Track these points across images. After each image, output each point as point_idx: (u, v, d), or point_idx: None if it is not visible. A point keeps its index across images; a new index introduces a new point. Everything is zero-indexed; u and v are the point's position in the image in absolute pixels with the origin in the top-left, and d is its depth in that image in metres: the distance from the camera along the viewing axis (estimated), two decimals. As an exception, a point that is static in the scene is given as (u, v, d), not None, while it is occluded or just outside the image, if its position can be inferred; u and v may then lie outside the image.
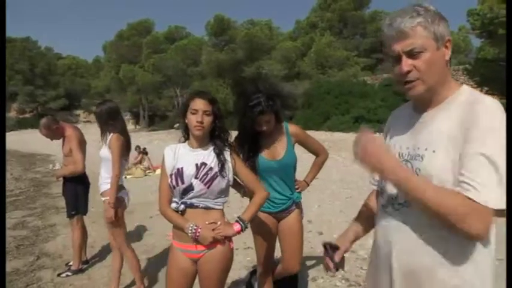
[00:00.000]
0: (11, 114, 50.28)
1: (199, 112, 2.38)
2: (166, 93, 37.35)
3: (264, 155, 3.04)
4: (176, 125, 34.04)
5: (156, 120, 42.57)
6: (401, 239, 1.47)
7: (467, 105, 1.38)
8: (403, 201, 1.47)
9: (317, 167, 3.37)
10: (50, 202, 8.63)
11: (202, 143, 2.50)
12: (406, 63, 1.38)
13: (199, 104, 2.40)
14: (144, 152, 12.51)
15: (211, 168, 2.43)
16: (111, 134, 3.76)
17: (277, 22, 69.92)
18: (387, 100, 27.02)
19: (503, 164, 1.26)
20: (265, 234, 3.16)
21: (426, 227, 1.40)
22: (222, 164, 2.45)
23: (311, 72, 31.61)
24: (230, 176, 2.50)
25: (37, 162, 14.93)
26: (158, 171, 12.21)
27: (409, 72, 1.39)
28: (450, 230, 1.31)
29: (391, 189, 1.52)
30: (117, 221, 3.75)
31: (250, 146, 3.04)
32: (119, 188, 3.80)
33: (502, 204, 1.25)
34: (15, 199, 9.06)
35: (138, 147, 12.77)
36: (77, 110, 55.70)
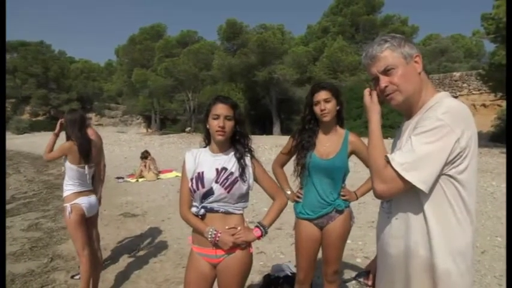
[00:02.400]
0: (24, 117, 50.81)
1: (220, 117, 2.37)
2: (178, 97, 37.42)
3: (316, 153, 3.01)
4: (187, 129, 34.19)
5: (167, 124, 42.77)
6: (387, 229, 1.79)
7: (429, 108, 1.67)
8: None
9: (370, 182, 3.24)
10: (62, 204, 8.60)
11: (223, 148, 2.49)
12: (383, 80, 1.72)
13: (221, 109, 2.39)
14: (145, 157, 12.48)
15: (231, 173, 2.41)
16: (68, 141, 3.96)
17: (289, 27, 69.94)
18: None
19: (419, 146, 1.54)
20: (303, 242, 3.11)
21: (403, 217, 1.71)
22: (242, 168, 2.43)
23: (323, 77, 31.44)
24: (251, 181, 2.47)
25: (50, 165, 14.99)
26: (168, 175, 12.28)
27: (386, 87, 1.71)
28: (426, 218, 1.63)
29: None
30: (75, 227, 3.82)
31: (305, 140, 3.03)
32: (81, 194, 3.94)
33: (403, 171, 1.54)
34: (29, 201, 9.12)
35: (142, 153, 12.81)
36: (89, 113, 56.15)
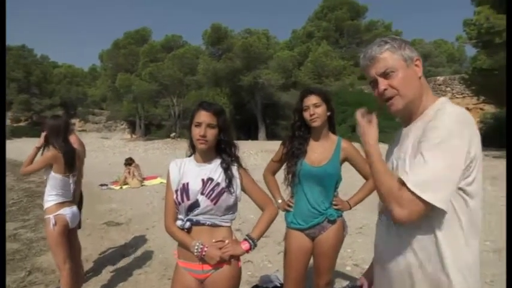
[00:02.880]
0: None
1: (202, 125, 2.25)
2: (162, 102, 37.13)
3: (306, 160, 2.91)
4: (172, 134, 33.90)
5: (152, 129, 42.40)
6: (391, 243, 1.66)
7: (431, 115, 1.56)
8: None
9: (365, 191, 3.08)
10: (44, 216, 8.38)
11: (208, 158, 2.37)
12: (382, 83, 1.61)
13: (203, 116, 2.27)
14: (129, 163, 12.28)
15: (218, 184, 2.29)
16: (51, 149, 3.75)
17: (273, 31, 70.23)
18: (384, 109, 27.14)
19: (434, 162, 1.41)
20: (294, 253, 2.99)
21: (409, 232, 1.57)
22: (229, 179, 2.32)
23: (308, 81, 31.49)
24: (238, 192, 2.36)
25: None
26: (153, 182, 12.11)
27: (385, 90, 1.61)
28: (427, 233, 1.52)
29: None
30: (58, 240, 3.65)
31: (296, 147, 2.94)
32: (63, 204, 3.76)
33: (421, 193, 1.39)
34: (8, 210, 8.82)
35: (126, 159, 12.60)
36: (73, 118, 55.43)
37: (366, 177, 3.08)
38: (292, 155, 2.95)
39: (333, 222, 2.94)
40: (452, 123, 1.46)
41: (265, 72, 30.71)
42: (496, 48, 17.64)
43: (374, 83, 1.65)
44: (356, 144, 3.16)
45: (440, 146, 1.42)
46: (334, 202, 2.96)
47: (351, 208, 3.06)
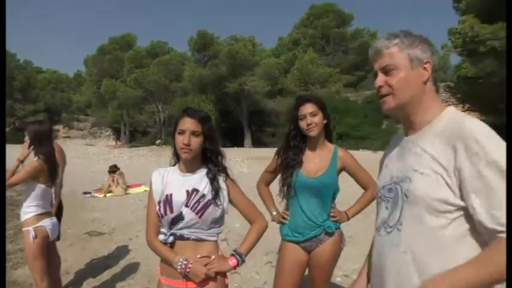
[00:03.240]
0: (-12, 128, 49.06)
1: (186, 133, 2.11)
2: (148, 108, 36.95)
3: (302, 171, 2.78)
4: (158, 141, 33.66)
5: (137, 136, 42.08)
6: (392, 261, 1.49)
7: (451, 124, 1.41)
8: (393, 224, 1.50)
9: (363, 201, 2.96)
10: (22, 225, 8.14)
11: (193, 167, 2.23)
12: (380, 79, 1.51)
13: (187, 123, 2.13)
14: (113, 171, 12.07)
15: (203, 195, 2.15)
16: (36, 158, 3.54)
17: (260, 39, 70.45)
18: (370, 116, 27.38)
19: (502, 184, 1.24)
20: (288, 266, 2.86)
21: (416, 250, 1.41)
22: (216, 190, 2.17)
23: (294, 88, 31.63)
24: (225, 204, 2.21)
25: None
26: (137, 190, 11.91)
27: (381, 87, 1.51)
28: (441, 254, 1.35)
29: (383, 212, 1.58)
30: (38, 253, 3.46)
31: (291, 158, 2.81)
32: (43, 216, 3.56)
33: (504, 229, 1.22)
34: (-13, 219, 8.56)
35: (110, 167, 12.38)
36: (57, 125, 54.72)
37: (363, 187, 2.97)
38: (287, 166, 2.83)
39: (330, 234, 2.82)
40: (490, 131, 1.32)
41: (251, 79, 30.74)
42: (480, 56, 17.90)
43: (375, 76, 1.55)
44: (352, 152, 3.07)
45: (499, 159, 1.26)
46: (331, 213, 2.84)
47: (349, 219, 2.94)
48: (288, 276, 2.85)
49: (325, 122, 2.82)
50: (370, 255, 1.75)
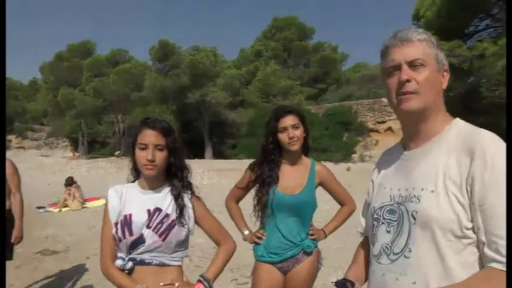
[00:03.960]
0: None
1: (149, 147, 1.91)
2: (107, 118, 36.16)
3: (279, 188, 2.63)
4: (117, 153, 32.87)
5: (95, 147, 40.99)
6: None
7: (462, 139, 1.27)
8: (399, 251, 1.31)
9: (340, 217, 2.85)
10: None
11: (155, 184, 2.04)
12: (407, 72, 1.29)
13: (148, 136, 1.92)
14: (69, 184, 11.61)
15: (167, 215, 1.96)
16: None
17: (222, 50, 70.43)
18: (331, 129, 27.84)
19: (503, 207, 1.13)
20: None
21: (430, 279, 1.23)
22: (180, 209, 1.99)
23: (255, 100, 31.76)
24: (191, 224, 2.04)
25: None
26: (95, 203, 11.50)
27: (408, 81, 1.29)
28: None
29: (383, 237, 1.38)
30: None
31: (266, 174, 2.65)
32: None
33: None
34: None
35: (66, 180, 11.88)
36: (9, 134, 52.62)
37: (340, 203, 2.88)
38: (263, 183, 2.67)
39: (309, 254, 2.70)
40: (502, 144, 1.22)
41: (212, 90, 30.62)
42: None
43: (394, 69, 1.34)
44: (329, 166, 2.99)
45: (503, 182, 1.16)
46: (310, 232, 2.72)
47: (326, 237, 2.83)
48: None
49: (304, 135, 2.69)
50: (356, 265, 1.65)
